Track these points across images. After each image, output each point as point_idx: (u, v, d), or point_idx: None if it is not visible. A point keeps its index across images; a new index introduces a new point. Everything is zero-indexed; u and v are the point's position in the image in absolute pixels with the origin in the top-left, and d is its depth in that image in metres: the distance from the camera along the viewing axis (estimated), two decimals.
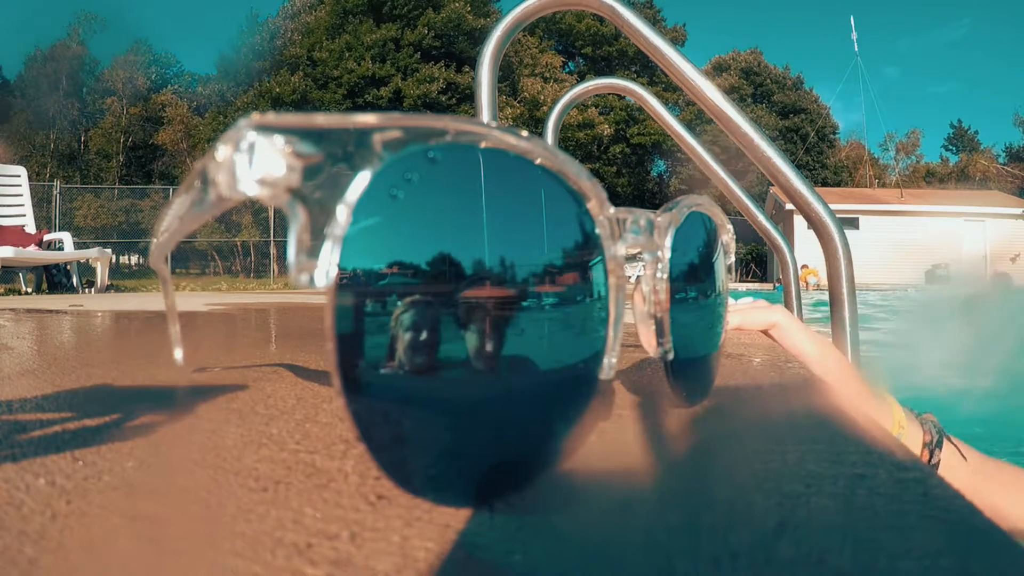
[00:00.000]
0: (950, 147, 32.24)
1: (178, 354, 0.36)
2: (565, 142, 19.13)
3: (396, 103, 18.60)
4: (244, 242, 16.54)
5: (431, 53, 19.73)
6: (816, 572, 0.15)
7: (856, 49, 27.50)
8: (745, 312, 0.57)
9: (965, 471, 0.49)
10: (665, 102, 1.25)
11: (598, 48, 23.25)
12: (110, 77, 22.57)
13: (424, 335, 0.17)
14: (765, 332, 0.57)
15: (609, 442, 0.25)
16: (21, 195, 4.76)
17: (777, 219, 15.12)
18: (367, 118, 0.16)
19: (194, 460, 0.23)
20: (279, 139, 0.16)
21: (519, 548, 0.16)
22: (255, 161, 0.16)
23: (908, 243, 16.46)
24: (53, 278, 4.54)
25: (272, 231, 15.21)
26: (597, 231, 0.21)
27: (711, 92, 0.80)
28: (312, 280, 0.16)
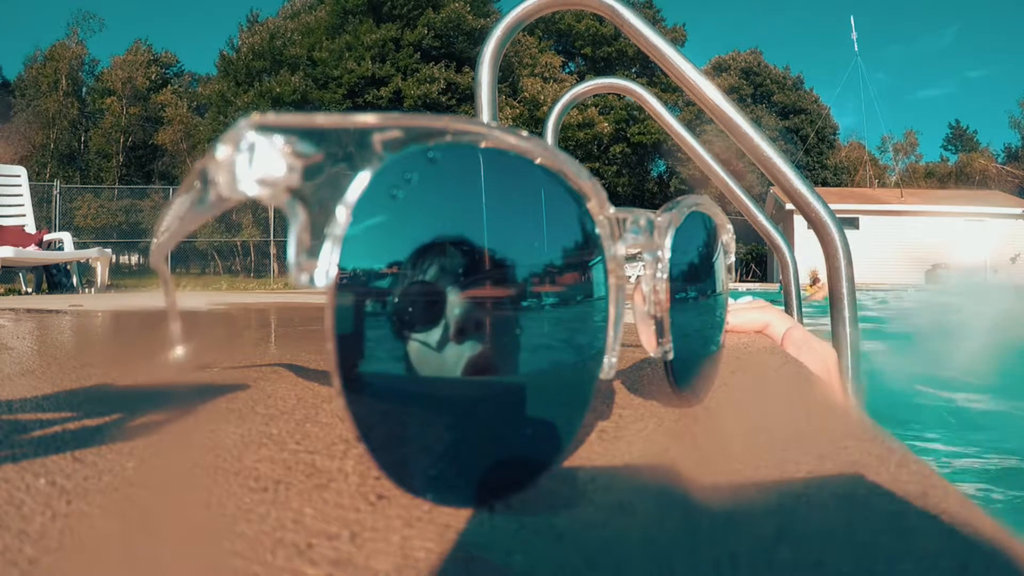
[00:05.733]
0: (949, 147, 32.28)
1: (178, 353, 0.36)
2: (565, 142, 19.13)
3: (396, 103, 18.60)
4: (244, 242, 16.54)
5: (431, 53, 19.72)
6: (815, 573, 0.15)
7: (856, 49, 27.55)
8: (739, 312, 0.58)
9: None
10: (665, 102, 1.25)
11: (598, 48, 23.24)
12: (110, 77, 22.59)
13: (424, 335, 0.17)
14: (760, 332, 0.59)
15: (609, 442, 0.25)
16: (21, 195, 4.76)
17: (777, 219, 15.10)
18: (367, 118, 0.16)
19: (194, 460, 0.23)
20: (279, 139, 0.16)
21: (519, 548, 0.16)
22: (255, 161, 0.16)
23: (908, 243, 16.46)
24: (53, 278, 4.54)
25: (272, 231, 15.21)
26: (597, 231, 0.21)
27: (711, 92, 0.80)
28: (312, 280, 0.16)
